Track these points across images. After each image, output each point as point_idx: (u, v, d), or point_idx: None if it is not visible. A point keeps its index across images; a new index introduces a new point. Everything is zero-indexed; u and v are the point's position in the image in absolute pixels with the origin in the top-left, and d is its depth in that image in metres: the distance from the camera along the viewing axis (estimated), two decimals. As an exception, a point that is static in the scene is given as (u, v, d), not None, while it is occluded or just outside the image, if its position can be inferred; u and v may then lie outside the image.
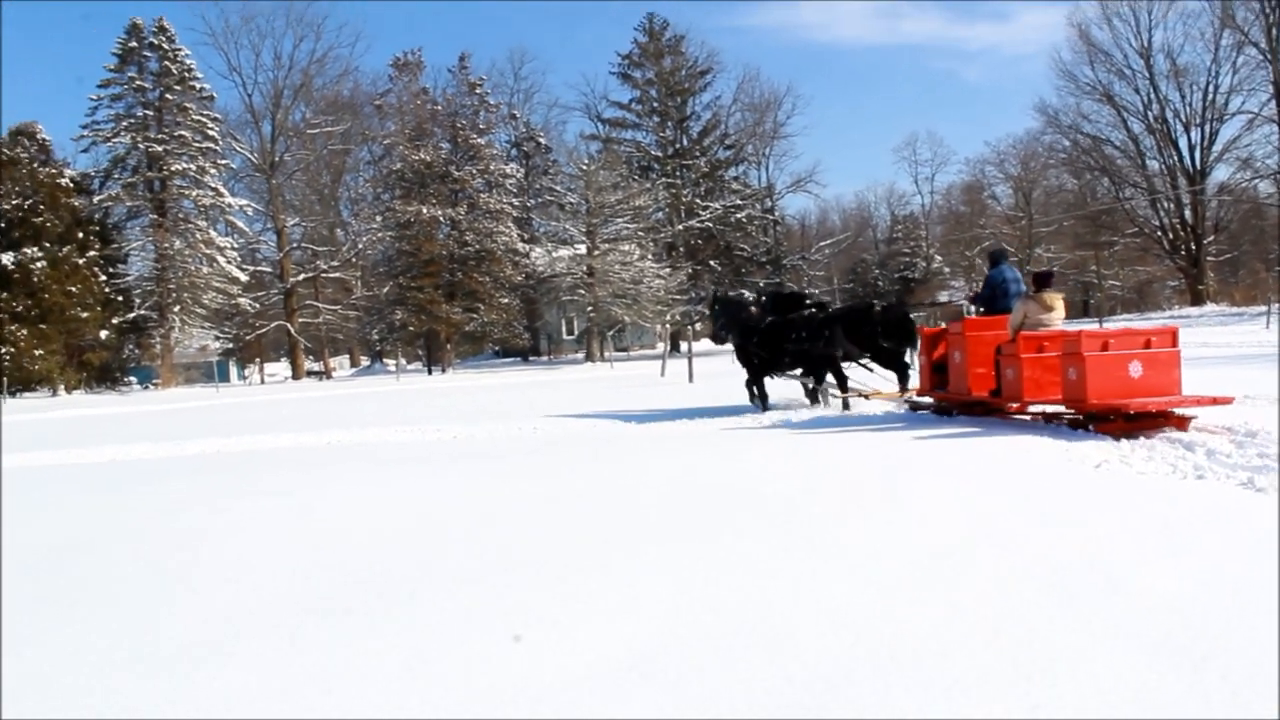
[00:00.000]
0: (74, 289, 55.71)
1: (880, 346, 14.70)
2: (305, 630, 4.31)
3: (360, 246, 67.25)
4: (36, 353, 54.28)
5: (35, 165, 57.47)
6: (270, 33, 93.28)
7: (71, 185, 58.65)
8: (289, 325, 64.43)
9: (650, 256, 61.05)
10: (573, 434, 12.92)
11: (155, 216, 60.46)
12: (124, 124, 60.23)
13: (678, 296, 60.37)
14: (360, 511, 7.55)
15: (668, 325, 56.56)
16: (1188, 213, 62.27)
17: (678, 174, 69.17)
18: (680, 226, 67.00)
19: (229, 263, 61.06)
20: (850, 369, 15.02)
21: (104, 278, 57.93)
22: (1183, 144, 61.22)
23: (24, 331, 54.14)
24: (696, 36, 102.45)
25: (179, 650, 4.11)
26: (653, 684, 3.39)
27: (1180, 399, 9.45)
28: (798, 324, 15.02)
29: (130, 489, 9.95)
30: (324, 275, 68.00)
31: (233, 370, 72.84)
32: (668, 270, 60.15)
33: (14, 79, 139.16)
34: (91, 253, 57.28)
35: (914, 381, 14.05)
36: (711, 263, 67.47)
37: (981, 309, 12.72)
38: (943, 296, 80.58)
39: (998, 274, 12.63)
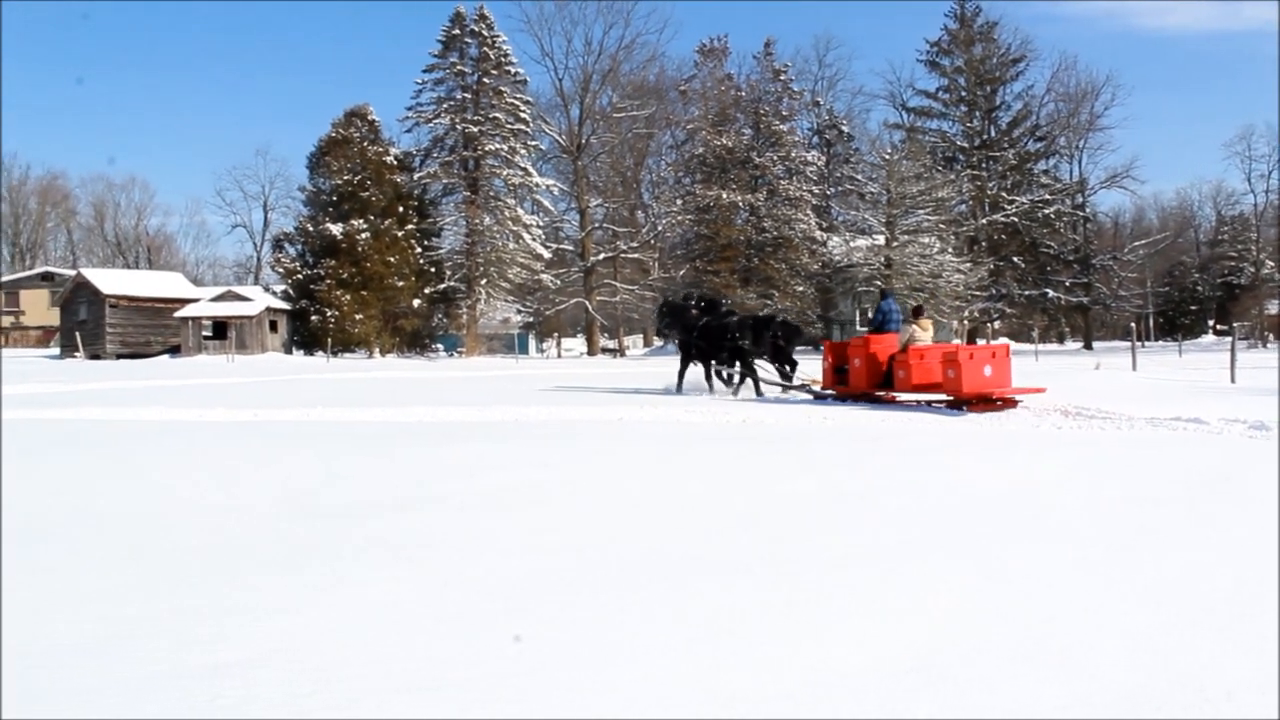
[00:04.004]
0: (392, 259, 59.39)
1: (779, 347, 19.73)
2: (605, 597, 4.37)
3: (660, 229, 68.46)
4: (357, 316, 58.20)
5: (365, 144, 61.46)
6: (582, 19, 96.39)
7: (395, 163, 62.46)
8: (587, 303, 66.31)
9: (950, 250, 59.31)
10: (859, 425, 12.66)
11: (468, 194, 63.46)
12: (444, 106, 63.50)
13: (977, 292, 58.51)
14: (644, 491, 7.59)
15: (965, 321, 54.87)
16: None
17: (983, 166, 66.81)
18: (984, 220, 64.77)
19: (534, 240, 63.40)
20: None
21: (419, 250, 61.41)
22: None
23: (347, 297, 58.12)
24: (1010, 23, 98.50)
25: (475, 607, 4.23)
26: (935, 688, 3.26)
27: (1015, 389, 15.12)
28: (727, 326, 19.76)
29: (437, 448, 10.39)
30: (623, 256, 69.66)
31: (531, 343, 75.57)
32: (968, 265, 58.32)
33: (349, 66, 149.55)
34: (409, 226, 60.86)
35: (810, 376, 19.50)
36: (1015, 259, 64.89)
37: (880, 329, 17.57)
38: (1272, 307, 74.67)
39: (886, 305, 18.02)
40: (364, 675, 3.39)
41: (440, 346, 65.99)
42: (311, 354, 58.12)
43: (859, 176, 62.85)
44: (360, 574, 4.87)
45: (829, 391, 17.83)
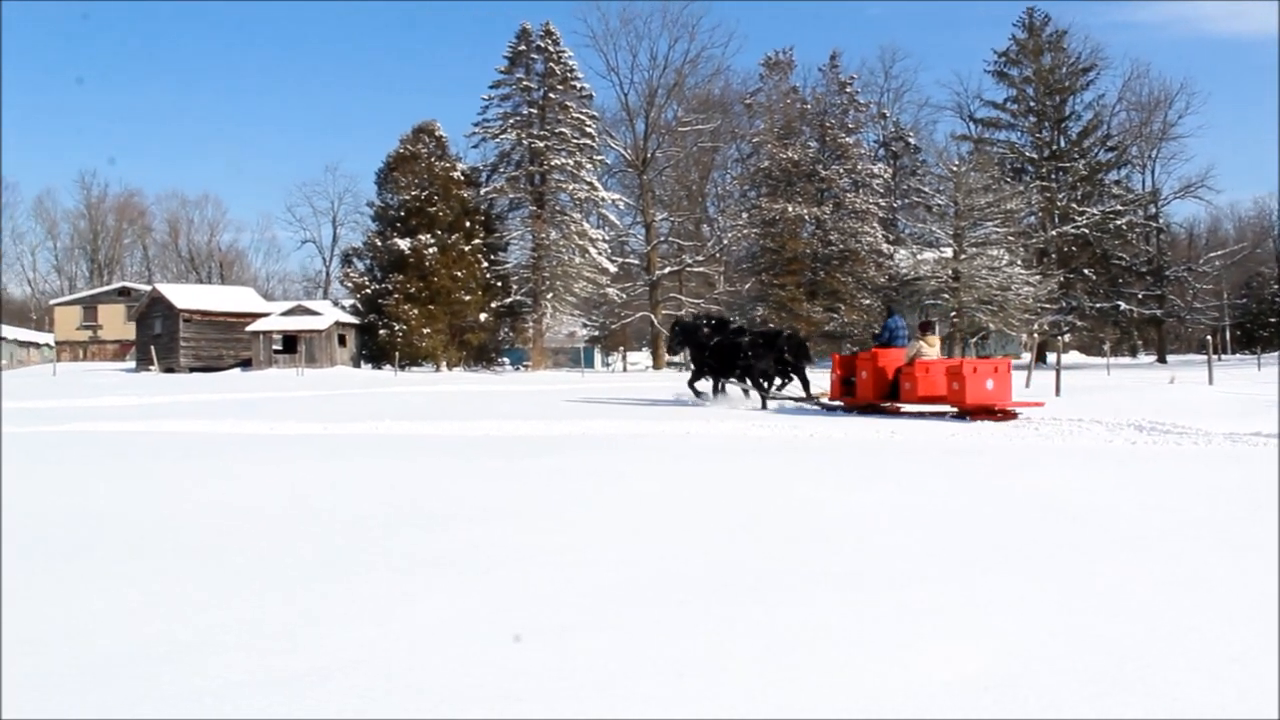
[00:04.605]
0: (459, 274, 59.95)
1: (786, 360, 20.73)
2: (664, 617, 4.33)
3: (725, 242, 68.45)
4: (424, 330, 58.79)
5: (432, 160, 62.15)
6: (647, 33, 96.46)
7: (462, 178, 63.08)
8: (652, 316, 66.38)
9: (1019, 262, 58.60)
10: (930, 440, 12.54)
11: (534, 208, 63.91)
12: (510, 122, 64.05)
13: (1047, 305, 57.75)
14: (715, 499, 7.57)
15: (1035, 335, 54.17)
16: None
17: (1053, 177, 65.98)
18: (1053, 232, 63.93)
19: (599, 254, 63.67)
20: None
21: (486, 264, 61.91)
22: None
23: (415, 311, 58.74)
24: (1079, 32, 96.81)
25: (542, 623, 4.22)
26: (1012, 707, 3.20)
27: (1014, 402, 16.32)
28: (738, 343, 20.88)
29: (505, 462, 10.44)
30: (688, 269, 69.69)
31: (596, 357, 75.77)
32: (1038, 277, 57.58)
33: (417, 83, 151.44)
34: (476, 240, 61.42)
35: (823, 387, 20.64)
36: (1086, 271, 63.95)
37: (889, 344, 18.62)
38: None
39: (893, 322, 19.08)
40: (434, 686, 3.41)
41: (506, 360, 66.37)
42: (379, 367, 58.78)
43: (926, 189, 62.35)
44: (429, 586, 4.89)
45: (837, 403, 18.95)
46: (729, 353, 21.08)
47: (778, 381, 21.02)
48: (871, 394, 17.96)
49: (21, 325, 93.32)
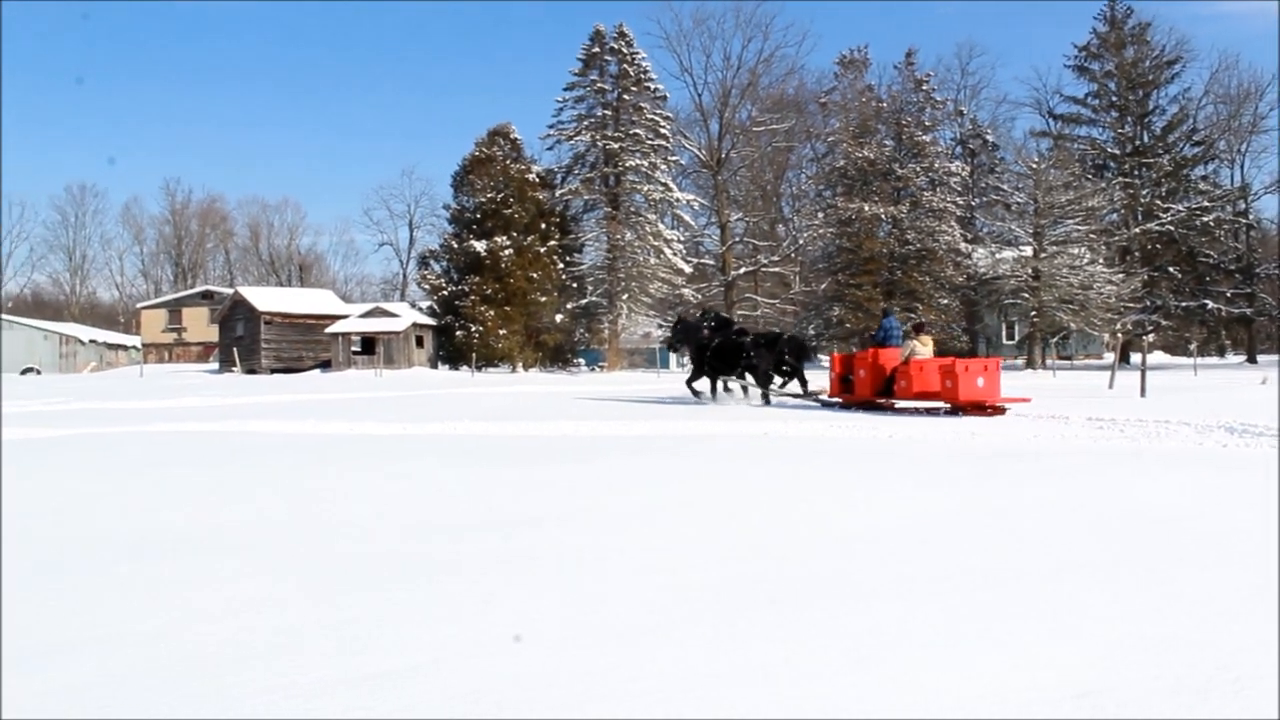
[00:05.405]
0: (535, 275, 60.34)
1: (785, 361, 21.59)
2: (741, 621, 4.28)
3: (800, 242, 68.16)
4: (501, 332, 59.22)
5: (507, 162, 62.60)
6: (720, 34, 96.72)
7: (537, 180, 63.45)
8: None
9: (1101, 261, 57.52)
10: (1010, 442, 12.32)
11: (609, 209, 64.08)
12: (585, 123, 64.29)
13: (1130, 304, 56.66)
14: (789, 506, 7.49)
15: (1118, 334, 53.19)
16: None
17: (1136, 173, 64.66)
18: (1137, 230, 62.64)
19: (674, 255, 63.66)
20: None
21: (561, 265, 62.22)
22: None
23: (491, 312, 59.19)
24: (1163, 24, 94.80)
25: (623, 628, 4.22)
26: (1098, 712, 3.15)
27: (1004, 398, 17.21)
28: (739, 343, 21.74)
29: (581, 464, 10.45)
30: (764, 270, 69.47)
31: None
32: (1120, 276, 56.48)
33: (492, 87, 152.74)
34: (551, 242, 61.76)
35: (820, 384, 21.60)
36: (1171, 269, 62.60)
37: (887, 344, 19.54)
38: None
39: (888, 323, 20.01)
40: (514, 685, 3.41)
41: (582, 361, 66.59)
42: (456, 368, 59.30)
43: (1005, 186, 61.51)
44: (508, 588, 4.90)
45: (836, 399, 20.00)
46: (731, 352, 21.83)
47: (778, 380, 21.71)
48: (869, 391, 19.07)
49: (110, 328, 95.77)
